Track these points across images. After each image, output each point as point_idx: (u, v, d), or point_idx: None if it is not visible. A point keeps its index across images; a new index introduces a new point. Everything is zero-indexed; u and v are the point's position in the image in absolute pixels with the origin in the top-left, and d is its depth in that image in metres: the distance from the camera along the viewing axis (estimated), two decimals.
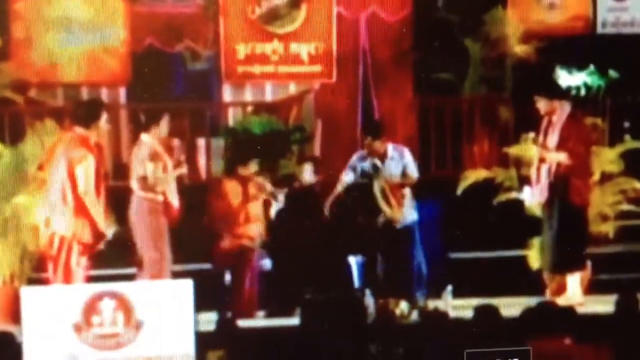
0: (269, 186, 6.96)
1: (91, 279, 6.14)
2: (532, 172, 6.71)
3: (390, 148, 6.80)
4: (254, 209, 6.87)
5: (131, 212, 6.44)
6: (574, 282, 6.66)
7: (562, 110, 6.63)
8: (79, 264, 6.14)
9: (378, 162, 6.75)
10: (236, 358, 5.22)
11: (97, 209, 6.12)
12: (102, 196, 6.19)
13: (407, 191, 6.79)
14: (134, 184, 6.43)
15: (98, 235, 6.15)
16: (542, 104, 6.65)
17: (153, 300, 5.17)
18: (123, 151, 8.25)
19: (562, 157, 6.53)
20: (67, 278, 6.11)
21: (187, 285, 5.24)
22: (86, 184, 6.08)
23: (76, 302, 5.11)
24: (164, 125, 6.46)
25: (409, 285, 6.68)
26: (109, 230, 6.20)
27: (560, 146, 6.57)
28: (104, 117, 6.26)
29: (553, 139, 6.62)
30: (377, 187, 6.71)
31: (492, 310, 5.27)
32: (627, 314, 5.43)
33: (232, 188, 6.84)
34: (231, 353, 5.20)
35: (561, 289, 6.68)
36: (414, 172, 6.82)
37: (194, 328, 5.21)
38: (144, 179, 6.35)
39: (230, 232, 6.78)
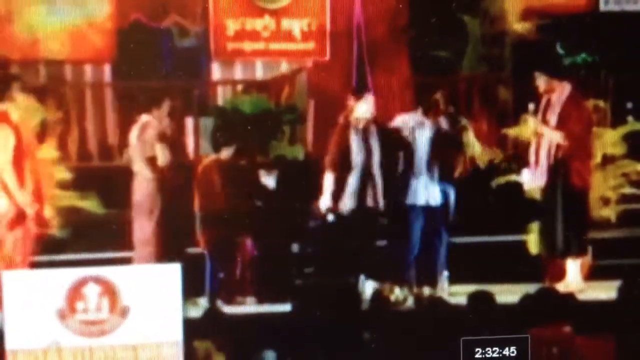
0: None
1: (75, 263, 5.97)
2: (531, 154, 6.61)
3: None
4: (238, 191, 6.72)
5: (135, 194, 6.34)
6: (575, 267, 6.62)
7: (561, 91, 6.55)
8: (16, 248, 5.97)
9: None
10: (225, 346, 5.09)
11: (16, 186, 5.94)
12: (27, 174, 5.99)
13: None
14: (142, 166, 6.26)
15: (21, 215, 5.99)
16: (541, 81, 6.57)
17: (139, 286, 5.01)
18: (109, 131, 8.08)
19: (559, 135, 6.39)
20: (8, 263, 5.94)
21: (174, 270, 5.08)
22: (3, 160, 5.90)
23: (60, 287, 4.96)
24: (165, 106, 6.41)
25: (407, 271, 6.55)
26: (30, 209, 6.00)
27: (559, 127, 6.52)
28: (15, 86, 6.09)
29: (552, 119, 6.53)
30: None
31: (487, 297, 5.15)
32: (630, 301, 5.31)
33: (215, 170, 6.66)
34: (219, 341, 5.07)
35: (561, 275, 6.58)
36: None
37: (182, 314, 5.05)
38: (153, 160, 6.21)
39: (215, 215, 6.62)
